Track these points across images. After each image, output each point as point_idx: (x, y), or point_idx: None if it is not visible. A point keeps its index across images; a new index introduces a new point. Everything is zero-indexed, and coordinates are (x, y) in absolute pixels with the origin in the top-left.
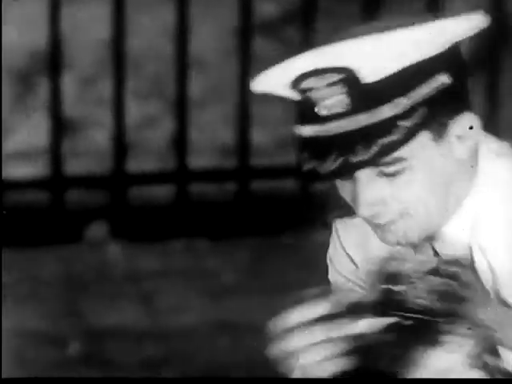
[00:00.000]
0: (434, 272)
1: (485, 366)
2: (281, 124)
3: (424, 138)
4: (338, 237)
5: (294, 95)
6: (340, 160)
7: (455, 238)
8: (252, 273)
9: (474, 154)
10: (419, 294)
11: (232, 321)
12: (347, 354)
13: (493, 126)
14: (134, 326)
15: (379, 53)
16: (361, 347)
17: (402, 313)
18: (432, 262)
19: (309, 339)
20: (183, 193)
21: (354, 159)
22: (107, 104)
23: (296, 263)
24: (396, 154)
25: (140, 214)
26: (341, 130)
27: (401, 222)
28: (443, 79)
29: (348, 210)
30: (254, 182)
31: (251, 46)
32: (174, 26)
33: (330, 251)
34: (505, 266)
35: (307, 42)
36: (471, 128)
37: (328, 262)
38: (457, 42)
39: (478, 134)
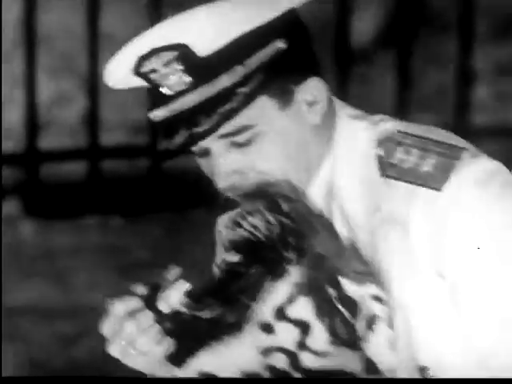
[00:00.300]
0: (271, 208)
1: (325, 296)
2: None
3: (268, 104)
4: (219, 232)
5: (142, 82)
6: (186, 133)
7: (315, 196)
8: (165, 249)
9: (328, 119)
10: (260, 228)
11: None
12: (170, 332)
13: (404, 103)
14: (47, 302)
15: (211, 24)
16: (180, 322)
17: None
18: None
19: (136, 327)
20: (95, 170)
21: (198, 130)
22: (19, 82)
23: (209, 239)
24: (242, 122)
25: (53, 191)
26: (186, 107)
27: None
28: (279, 45)
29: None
30: (166, 159)
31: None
32: (84, 3)
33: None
34: (361, 225)
35: None
36: (320, 93)
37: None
38: (293, 8)
39: (327, 98)
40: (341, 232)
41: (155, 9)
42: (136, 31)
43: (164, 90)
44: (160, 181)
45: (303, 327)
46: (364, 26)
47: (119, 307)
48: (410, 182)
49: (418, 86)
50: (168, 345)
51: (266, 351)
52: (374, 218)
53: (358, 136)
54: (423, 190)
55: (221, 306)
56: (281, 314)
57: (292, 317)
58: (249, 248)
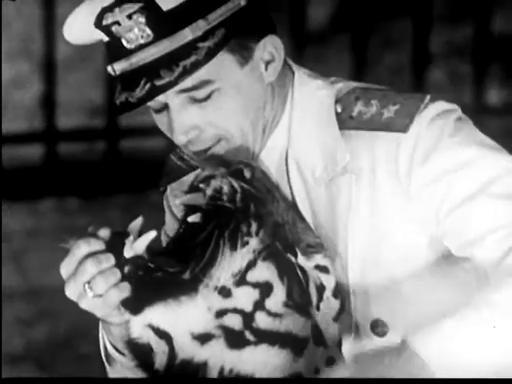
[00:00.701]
0: (234, 174)
1: (283, 263)
2: None
3: (228, 60)
4: (168, 203)
5: (102, 36)
6: (147, 85)
7: (273, 155)
8: (121, 230)
9: (283, 79)
10: (223, 193)
11: None
12: (129, 277)
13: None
14: (5, 285)
15: None
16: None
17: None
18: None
19: (96, 269)
20: (52, 152)
21: (160, 82)
22: None
23: (163, 220)
24: (202, 77)
25: (10, 173)
26: (147, 60)
27: (218, 146)
28: (239, 1)
29: (177, 174)
30: (123, 141)
31: None
32: None
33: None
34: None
35: None
36: (277, 52)
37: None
38: None
39: (283, 56)
40: (296, 193)
41: None
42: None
43: (125, 43)
44: (116, 163)
45: (263, 288)
46: (320, 6)
47: (82, 247)
48: (372, 130)
49: (373, 67)
50: (125, 290)
51: (221, 312)
52: (332, 171)
53: (315, 93)
54: (383, 134)
55: (178, 262)
56: (240, 279)
57: (252, 280)
58: (210, 211)
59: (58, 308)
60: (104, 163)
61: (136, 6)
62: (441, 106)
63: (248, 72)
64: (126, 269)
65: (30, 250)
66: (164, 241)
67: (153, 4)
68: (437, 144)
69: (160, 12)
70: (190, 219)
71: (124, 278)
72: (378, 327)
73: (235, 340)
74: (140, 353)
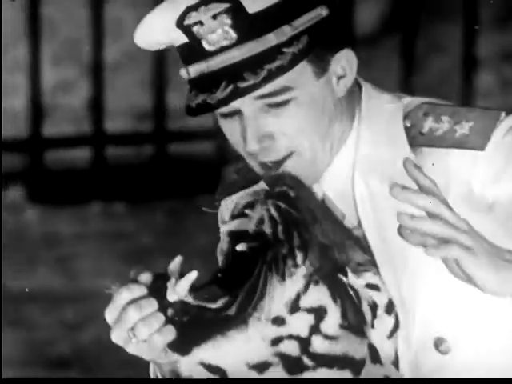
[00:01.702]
0: (268, 195)
1: (335, 284)
2: None
3: (306, 69)
4: (221, 216)
5: (178, 38)
6: (230, 87)
7: (339, 174)
8: (169, 235)
9: (352, 97)
10: (265, 222)
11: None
12: (173, 321)
13: (408, 88)
14: (51, 289)
15: None
16: (182, 311)
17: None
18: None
19: (138, 315)
20: (100, 156)
21: (243, 84)
22: (23, 69)
23: (212, 225)
24: (281, 83)
25: (57, 177)
26: (229, 62)
27: (290, 161)
28: (322, 11)
29: (233, 189)
30: (171, 145)
31: None
32: None
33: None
34: (386, 200)
35: None
36: (350, 67)
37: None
38: None
39: (355, 72)
40: (362, 211)
41: None
42: (141, 17)
43: (205, 45)
44: (164, 167)
45: (318, 312)
46: (369, 10)
47: (124, 294)
48: (445, 147)
49: (422, 71)
50: (169, 333)
51: (277, 340)
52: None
53: (383, 108)
54: (457, 152)
55: (225, 296)
56: (293, 306)
57: (306, 306)
58: (255, 241)
59: (105, 312)
60: (151, 167)
61: (222, 7)
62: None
63: (323, 84)
64: (170, 312)
65: (77, 254)
66: (219, 258)
67: (239, 6)
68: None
69: (246, 15)
70: (238, 248)
71: (168, 321)
72: (441, 345)
73: (293, 366)
74: None
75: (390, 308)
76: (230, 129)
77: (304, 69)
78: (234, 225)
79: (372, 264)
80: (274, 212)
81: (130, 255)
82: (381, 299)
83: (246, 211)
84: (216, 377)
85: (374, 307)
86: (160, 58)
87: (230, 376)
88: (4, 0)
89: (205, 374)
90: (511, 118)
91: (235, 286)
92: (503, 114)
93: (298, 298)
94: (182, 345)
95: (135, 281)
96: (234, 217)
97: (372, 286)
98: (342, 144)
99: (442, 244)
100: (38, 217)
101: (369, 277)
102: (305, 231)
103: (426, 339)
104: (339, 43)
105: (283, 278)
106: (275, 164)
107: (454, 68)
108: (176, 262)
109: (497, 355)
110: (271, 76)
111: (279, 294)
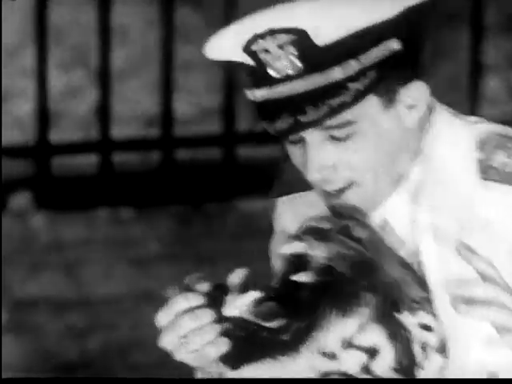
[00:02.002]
0: (343, 231)
1: (395, 322)
2: (204, 93)
3: (373, 103)
4: (278, 215)
5: (246, 59)
6: (290, 120)
7: (401, 203)
8: (176, 242)
9: (423, 124)
10: (331, 257)
11: (156, 290)
12: (228, 334)
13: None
14: (58, 295)
15: (332, 15)
16: (239, 326)
17: (315, 276)
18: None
19: (193, 324)
20: (107, 162)
21: (304, 119)
22: (30, 74)
23: (219, 232)
24: (346, 117)
25: (64, 183)
26: (292, 92)
27: (350, 191)
28: (393, 45)
29: (291, 188)
30: (178, 151)
31: (174, 15)
32: None
33: (273, 240)
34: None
35: (230, 12)
36: (422, 98)
37: (271, 253)
38: (410, 8)
39: (428, 103)
40: (424, 250)
41: (168, 1)
42: (147, 23)
43: (271, 72)
44: (171, 173)
45: (371, 351)
46: None
47: (181, 301)
48: None
49: (429, 77)
50: (222, 346)
51: (325, 374)
52: (469, 229)
53: (454, 136)
54: None
55: (283, 318)
56: (349, 343)
57: (360, 344)
58: (321, 273)
59: (112, 318)
60: (159, 173)
61: (290, 38)
62: None
63: (390, 116)
64: (225, 326)
65: (83, 260)
66: (273, 263)
67: (307, 38)
68: None
69: (313, 46)
70: (302, 279)
71: (223, 333)
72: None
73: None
74: None
75: (442, 348)
76: (295, 155)
77: (371, 101)
78: (299, 248)
79: (427, 301)
80: (345, 250)
81: (137, 261)
82: (433, 339)
83: (315, 238)
84: None
85: (425, 348)
86: (167, 64)
87: None
88: (9, 5)
89: None
90: None
91: (293, 309)
92: None
93: (353, 335)
94: (233, 359)
95: (193, 289)
96: (298, 237)
97: (425, 327)
98: (407, 173)
99: (501, 331)
100: (44, 223)
101: (422, 316)
102: (370, 269)
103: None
104: (410, 74)
105: (343, 314)
106: (336, 193)
107: (460, 74)
108: (238, 275)
109: None
110: (332, 112)
111: (335, 328)
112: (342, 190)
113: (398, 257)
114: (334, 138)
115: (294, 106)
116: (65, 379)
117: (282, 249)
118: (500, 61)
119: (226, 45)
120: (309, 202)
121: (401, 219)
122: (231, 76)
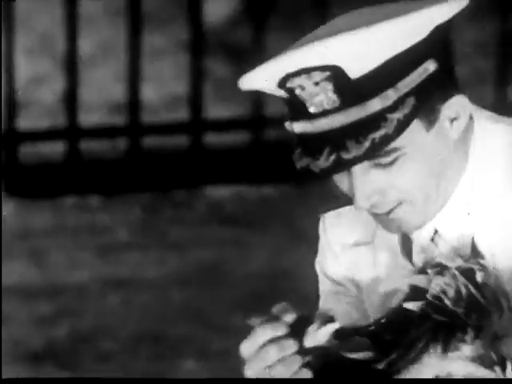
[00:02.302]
0: (465, 274)
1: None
2: (171, 81)
3: (415, 126)
4: (325, 231)
5: (283, 93)
6: (333, 157)
7: (453, 215)
8: (144, 229)
9: (466, 135)
10: (448, 294)
11: (123, 277)
12: (310, 365)
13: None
14: (26, 282)
15: (364, 47)
16: (321, 358)
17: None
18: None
19: (279, 355)
20: (74, 150)
21: (347, 156)
22: None
23: (187, 219)
24: (391, 145)
25: (31, 171)
26: (331, 127)
27: (400, 209)
28: (429, 66)
29: (339, 201)
30: (146, 139)
31: (141, 3)
32: None
33: (318, 256)
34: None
35: None
36: (464, 110)
37: (317, 270)
38: (439, 26)
39: (469, 113)
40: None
41: None
42: (115, 11)
43: (309, 106)
44: (139, 161)
45: None
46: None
47: (266, 332)
48: None
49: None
50: (306, 376)
51: None
52: None
53: (498, 141)
54: None
55: (374, 351)
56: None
57: None
58: (428, 307)
59: (79, 306)
60: (126, 161)
61: (324, 75)
62: None
63: (434, 134)
64: (308, 358)
65: (50, 248)
66: (319, 273)
67: (341, 72)
68: None
69: (348, 80)
70: (407, 305)
71: (306, 364)
72: None
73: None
74: None
75: None
76: (341, 183)
77: (414, 126)
78: (414, 279)
79: None
80: (462, 288)
81: (104, 249)
82: None
83: (436, 272)
84: None
85: None
86: (135, 52)
87: None
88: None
89: None
90: None
91: (388, 343)
92: None
93: (448, 374)
94: None
95: (278, 319)
96: (423, 270)
97: None
98: (456, 184)
99: None
100: (12, 210)
101: None
102: (484, 317)
103: None
104: (450, 90)
105: (445, 351)
106: (386, 214)
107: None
108: (325, 310)
109: None
110: (375, 146)
111: (434, 363)
112: (392, 210)
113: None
114: (379, 165)
115: (336, 142)
116: (65, 379)
117: (406, 279)
118: (467, 47)
119: (260, 79)
120: (358, 216)
121: (454, 227)
122: (199, 64)
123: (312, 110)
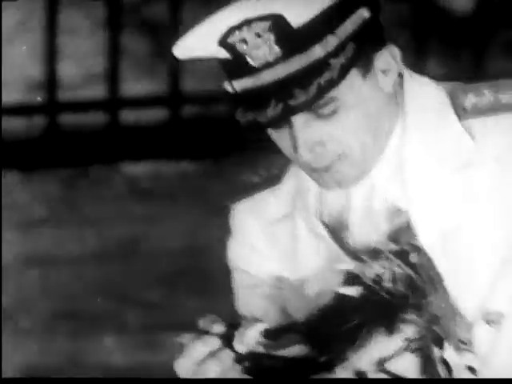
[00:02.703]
0: (399, 255)
1: (427, 356)
2: (88, 57)
3: (352, 74)
4: (236, 220)
5: (222, 53)
6: (280, 105)
7: (389, 163)
8: (61, 205)
9: (398, 89)
10: (384, 278)
11: (41, 253)
12: (249, 371)
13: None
14: None
15: None
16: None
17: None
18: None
19: (218, 368)
20: None
21: (294, 102)
22: None
23: (104, 196)
24: (330, 94)
25: None
26: (276, 78)
27: (338, 164)
28: (363, 13)
29: (249, 190)
30: (63, 116)
31: None
32: None
33: (231, 252)
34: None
35: None
36: (395, 61)
37: (230, 266)
38: None
39: (400, 65)
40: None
41: None
42: None
43: (250, 61)
44: (56, 138)
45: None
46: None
47: (199, 347)
48: (491, 115)
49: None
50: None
51: None
52: (455, 167)
53: (426, 89)
54: (505, 117)
55: (310, 345)
56: (381, 366)
57: (391, 370)
58: (366, 294)
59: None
60: (44, 138)
61: (266, 24)
62: None
63: (369, 84)
64: (245, 364)
65: None
66: (233, 269)
67: (283, 21)
68: None
69: (290, 29)
70: (346, 291)
71: (245, 371)
72: None
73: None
74: None
75: None
76: (281, 139)
77: (351, 74)
78: (354, 267)
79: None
80: (397, 270)
81: (22, 225)
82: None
83: (369, 256)
84: None
85: None
86: (51, 29)
87: None
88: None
89: None
90: None
91: (325, 336)
92: None
93: (388, 359)
94: None
95: (207, 332)
96: (354, 255)
97: (471, 369)
98: (390, 134)
99: None
100: None
101: (470, 359)
102: (421, 297)
103: None
104: (381, 40)
105: (391, 332)
106: (325, 168)
107: None
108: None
109: None
110: (322, 91)
111: (375, 349)
112: (330, 165)
113: (450, 294)
114: (319, 116)
115: (282, 91)
116: (65, 379)
117: (337, 265)
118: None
119: (197, 42)
120: (267, 203)
121: (390, 175)
122: (116, 41)
123: (255, 63)
